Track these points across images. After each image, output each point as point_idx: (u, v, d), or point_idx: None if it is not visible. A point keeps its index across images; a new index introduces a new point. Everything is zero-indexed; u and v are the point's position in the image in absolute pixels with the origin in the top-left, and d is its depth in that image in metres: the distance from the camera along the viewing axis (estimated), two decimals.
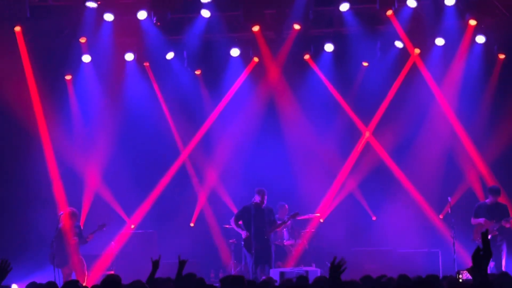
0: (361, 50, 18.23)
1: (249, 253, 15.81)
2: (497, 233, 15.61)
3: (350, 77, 18.85)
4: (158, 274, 9.22)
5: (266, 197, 15.93)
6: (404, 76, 18.54)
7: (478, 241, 15.59)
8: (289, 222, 16.57)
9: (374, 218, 18.72)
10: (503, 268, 15.22)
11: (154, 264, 9.16)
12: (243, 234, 15.82)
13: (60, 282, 14.13)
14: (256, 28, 17.85)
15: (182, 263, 9.14)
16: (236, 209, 18.31)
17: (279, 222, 16.33)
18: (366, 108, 18.83)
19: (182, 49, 18.47)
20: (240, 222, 15.95)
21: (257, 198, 15.87)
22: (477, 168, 18.18)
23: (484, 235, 6.52)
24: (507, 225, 15.62)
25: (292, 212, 16.31)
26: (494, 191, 15.92)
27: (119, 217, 18.59)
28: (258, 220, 15.82)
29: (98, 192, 18.64)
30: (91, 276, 16.30)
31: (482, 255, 5.94)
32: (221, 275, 17.58)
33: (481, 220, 15.66)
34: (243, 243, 15.92)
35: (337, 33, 18.17)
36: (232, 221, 16.16)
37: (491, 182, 17.82)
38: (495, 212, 15.74)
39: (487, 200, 15.97)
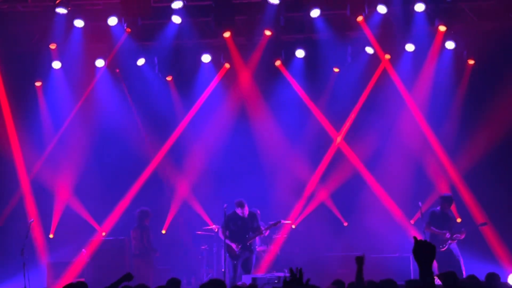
0: (332, 56, 18.26)
1: (232, 260, 15.81)
2: (452, 242, 15.78)
3: (321, 83, 18.87)
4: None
5: (246, 206, 15.98)
6: (375, 82, 18.62)
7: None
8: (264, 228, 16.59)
9: (345, 224, 18.75)
10: (463, 272, 15.32)
11: (124, 277, 9.08)
12: (234, 246, 15.82)
13: None
14: (227, 34, 17.84)
15: (126, 277, 9.09)
16: (207, 216, 18.31)
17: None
18: (337, 114, 18.86)
19: (153, 55, 18.40)
20: (227, 233, 15.96)
21: (238, 211, 15.94)
22: (448, 173, 18.29)
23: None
24: (462, 237, 15.81)
25: (270, 218, 16.34)
26: (449, 200, 16.03)
27: (89, 224, 18.46)
28: (240, 227, 15.94)
29: (69, 199, 18.50)
30: (62, 284, 16.23)
31: None
32: (193, 282, 17.57)
33: (447, 234, 15.75)
34: (228, 254, 15.89)
35: (308, 39, 18.20)
36: (220, 233, 16.17)
37: (461, 187, 17.95)
38: (450, 221, 15.92)
39: (438, 208, 16.06)
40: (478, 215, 17.43)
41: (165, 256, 17.87)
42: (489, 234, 17.44)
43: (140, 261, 16.89)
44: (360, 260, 8.45)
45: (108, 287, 9.02)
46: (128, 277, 9.26)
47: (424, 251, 5.58)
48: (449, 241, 15.70)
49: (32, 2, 17.18)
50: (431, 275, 5.53)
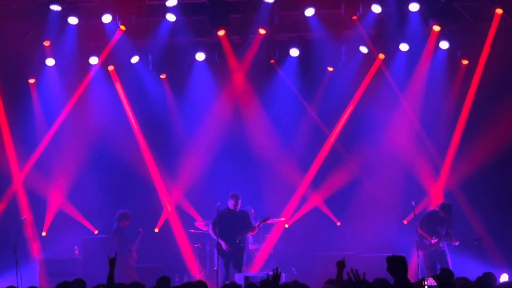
0: (326, 55, 18.26)
1: (221, 257, 15.75)
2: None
3: (315, 82, 18.88)
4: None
5: (239, 201, 15.93)
6: (369, 81, 18.62)
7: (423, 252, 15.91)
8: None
9: (338, 224, 18.76)
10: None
11: (111, 262, 9.08)
12: (223, 245, 15.75)
13: (21, 286, 14.10)
14: (221, 33, 17.82)
15: (112, 262, 9.08)
16: (199, 214, 18.29)
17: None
18: (331, 113, 18.88)
19: (147, 53, 18.38)
20: (217, 230, 15.88)
21: (230, 202, 15.89)
22: (441, 174, 18.31)
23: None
24: (456, 244, 15.97)
25: (263, 217, 16.33)
26: (447, 209, 16.19)
27: (81, 222, 18.43)
28: (230, 224, 15.81)
29: (62, 196, 18.48)
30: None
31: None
32: (185, 280, 17.53)
33: (434, 240, 15.90)
34: (217, 250, 15.82)
35: (302, 38, 18.20)
36: (210, 230, 16.08)
37: (454, 187, 17.98)
38: (444, 224, 16.18)
39: (436, 209, 16.26)
40: (471, 216, 17.47)
41: (158, 254, 17.84)
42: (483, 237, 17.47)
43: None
44: (340, 264, 8.66)
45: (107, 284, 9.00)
46: (112, 261, 9.22)
47: (396, 265, 5.68)
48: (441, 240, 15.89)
49: None
50: (408, 283, 5.63)
